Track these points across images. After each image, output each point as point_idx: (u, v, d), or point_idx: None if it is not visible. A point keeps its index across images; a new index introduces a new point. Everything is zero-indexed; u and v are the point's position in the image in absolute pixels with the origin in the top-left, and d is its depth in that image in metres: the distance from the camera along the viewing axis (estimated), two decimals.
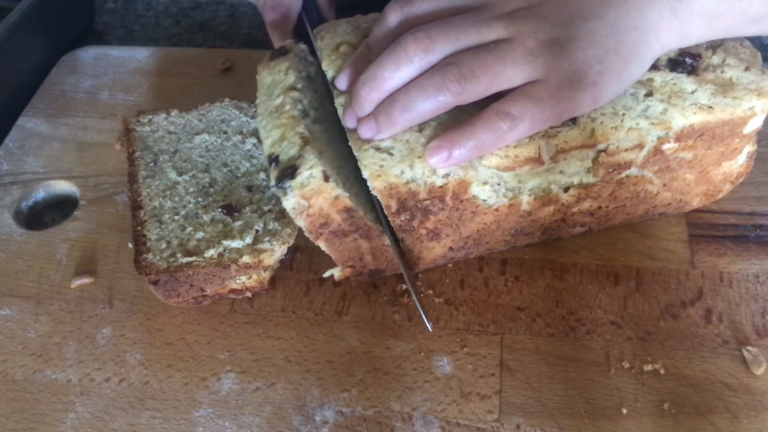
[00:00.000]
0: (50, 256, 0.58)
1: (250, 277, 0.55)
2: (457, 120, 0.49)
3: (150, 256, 0.54)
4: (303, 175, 0.48)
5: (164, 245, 0.55)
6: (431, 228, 0.53)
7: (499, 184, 0.51)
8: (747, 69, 0.52)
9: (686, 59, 0.53)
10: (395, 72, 0.48)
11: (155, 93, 0.75)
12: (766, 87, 0.52)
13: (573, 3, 0.47)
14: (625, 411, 0.49)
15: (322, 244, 0.52)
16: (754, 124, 0.54)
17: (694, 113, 0.51)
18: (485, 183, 0.51)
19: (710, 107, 0.51)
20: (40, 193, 0.67)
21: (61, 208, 0.67)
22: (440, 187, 0.50)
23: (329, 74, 0.54)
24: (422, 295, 0.56)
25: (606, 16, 0.46)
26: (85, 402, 0.51)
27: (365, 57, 0.52)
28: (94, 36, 0.90)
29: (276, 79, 0.55)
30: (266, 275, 0.55)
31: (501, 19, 0.47)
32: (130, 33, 0.91)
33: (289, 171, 0.48)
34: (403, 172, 0.49)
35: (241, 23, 0.91)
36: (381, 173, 0.48)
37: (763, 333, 0.53)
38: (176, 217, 0.57)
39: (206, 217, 0.57)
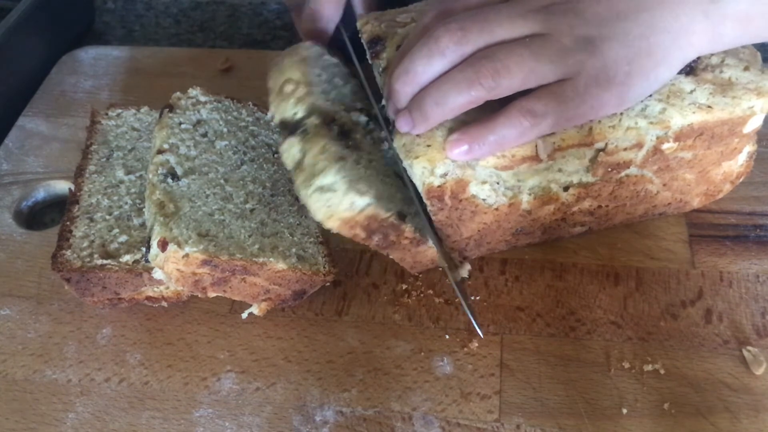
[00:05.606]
0: (50, 256, 0.57)
1: (167, 288, 0.55)
2: (455, 120, 0.49)
3: (68, 253, 0.54)
4: (153, 248, 0.49)
5: (86, 244, 0.54)
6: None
7: (498, 183, 0.51)
8: (746, 69, 0.52)
9: None
10: (427, 66, 0.47)
11: (155, 93, 0.75)
12: (766, 86, 0.52)
13: (608, 1, 0.46)
14: (625, 411, 0.49)
15: (214, 295, 0.52)
16: (754, 124, 0.53)
17: (693, 113, 0.51)
18: (484, 182, 0.51)
19: (709, 107, 0.51)
20: (40, 193, 0.67)
21: (61, 208, 0.66)
22: (438, 186, 0.50)
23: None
24: (422, 295, 0.56)
25: (640, 17, 0.46)
26: (85, 402, 0.51)
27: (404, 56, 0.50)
28: (94, 36, 0.90)
29: (153, 143, 0.57)
30: (185, 289, 0.53)
31: (538, 13, 0.46)
32: (130, 33, 0.91)
33: (147, 245, 0.50)
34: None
35: (241, 23, 0.91)
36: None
37: (763, 333, 0.53)
38: (108, 217, 0.57)
39: (137, 221, 0.56)
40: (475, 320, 0.50)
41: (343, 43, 0.65)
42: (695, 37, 0.47)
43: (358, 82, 0.60)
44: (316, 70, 0.56)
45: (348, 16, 0.67)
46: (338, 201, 0.48)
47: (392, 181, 0.53)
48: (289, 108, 0.53)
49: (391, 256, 0.53)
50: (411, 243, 0.52)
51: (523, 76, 0.45)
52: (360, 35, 0.58)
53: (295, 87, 0.54)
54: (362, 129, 0.55)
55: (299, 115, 0.52)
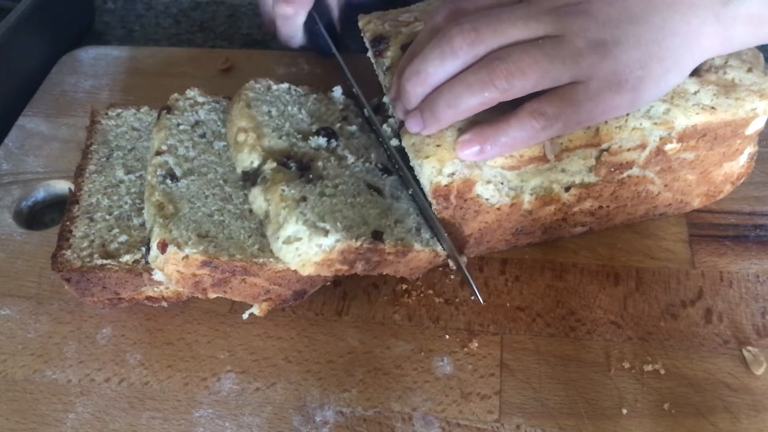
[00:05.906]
0: (50, 256, 0.57)
1: (167, 288, 0.54)
2: (465, 120, 0.49)
3: (68, 253, 0.54)
4: (152, 249, 0.49)
5: (86, 244, 0.54)
6: None
7: (502, 183, 0.51)
8: (749, 70, 0.52)
9: None
10: (440, 67, 0.47)
11: (155, 93, 0.75)
12: None
13: (620, 3, 0.46)
14: (625, 411, 0.49)
15: (215, 296, 0.51)
16: (756, 125, 0.54)
17: (697, 114, 0.51)
18: (489, 182, 0.51)
19: (713, 108, 0.51)
20: (40, 193, 0.67)
21: (61, 208, 0.66)
22: (445, 186, 0.50)
23: None
24: (422, 295, 0.56)
25: (651, 20, 0.46)
26: (85, 402, 0.51)
27: (412, 57, 0.50)
28: (94, 36, 0.90)
29: (152, 145, 0.57)
30: (185, 290, 0.52)
31: (550, 14, 0.46)
32: (130, 33, 0.91)
33: (147, 246, 0.50)
34: None
35: (241, 23, 0.91)
36: None
37: (763, 333, 0.53)
38: (108, 217, 0.56)
39: (137, 221, 0.56)
40: (473, 283, 0.52)
41: (316, 33, 0.66)
42: (706, 39, 0.47)
43: (318, 97, 0.60)
44: (264, 108, 0.57)
45: (321, 5, 0.69)
46: (306, 248, 0.47)
47: (364, 197, 0.52)
48: (245, 158, 0.53)
49: (384, 273, 0.53)
50: (396, 256, 0.51)
51: (536, 78, 0.45)
52: (362, 34, 0.58)
53: (246, 135, 0.54)
54: (324, 152, 0.55)
55: (255, 163, 0.52)
